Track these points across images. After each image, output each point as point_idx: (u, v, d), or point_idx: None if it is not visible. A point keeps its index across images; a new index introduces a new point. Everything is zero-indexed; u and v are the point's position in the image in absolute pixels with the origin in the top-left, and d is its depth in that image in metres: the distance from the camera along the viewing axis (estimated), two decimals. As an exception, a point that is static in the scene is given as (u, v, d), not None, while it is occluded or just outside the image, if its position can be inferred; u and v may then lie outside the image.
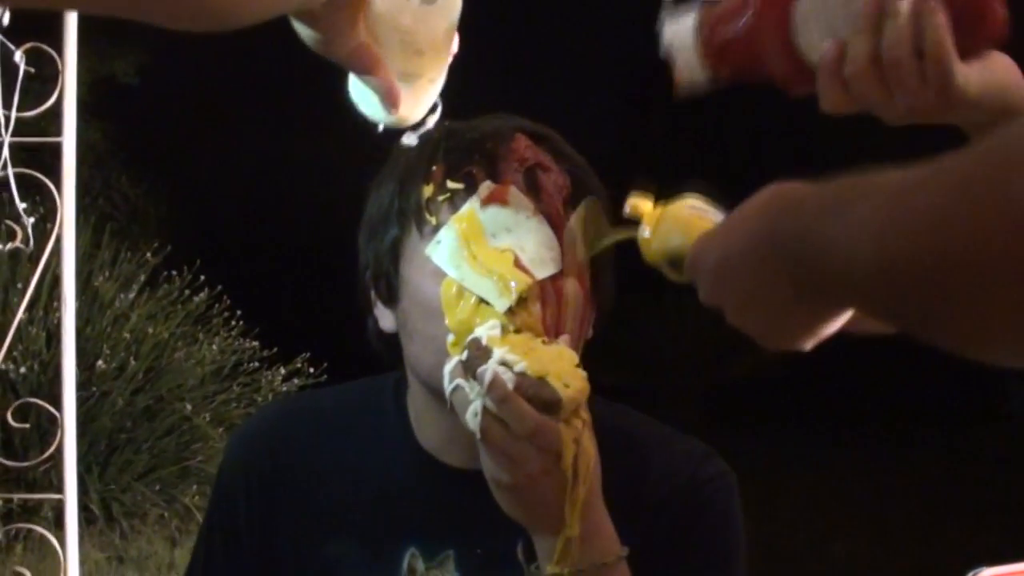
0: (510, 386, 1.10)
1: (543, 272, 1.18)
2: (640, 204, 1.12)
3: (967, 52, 0.97)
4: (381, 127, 1.19)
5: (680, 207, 1.09)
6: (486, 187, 1.20)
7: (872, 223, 0.70)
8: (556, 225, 1.21)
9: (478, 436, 1.11)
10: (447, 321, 1.18)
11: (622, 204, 1.22)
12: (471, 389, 1.12)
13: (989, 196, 0.62)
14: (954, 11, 0.95)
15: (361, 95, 1.07)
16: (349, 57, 0.98)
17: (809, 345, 0.91)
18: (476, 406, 1.11)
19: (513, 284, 1.15)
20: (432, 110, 1.14)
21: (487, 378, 1.11)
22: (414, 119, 1.11)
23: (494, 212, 1.19)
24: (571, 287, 1.22)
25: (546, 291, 1.19)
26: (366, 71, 1.00)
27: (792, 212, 0.81)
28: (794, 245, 0.79)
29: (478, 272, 1.16)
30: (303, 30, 0.93)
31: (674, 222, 1.07)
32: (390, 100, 1.02)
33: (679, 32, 1.07)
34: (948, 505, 7.88)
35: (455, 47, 1.07)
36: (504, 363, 1.11)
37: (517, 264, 1.17)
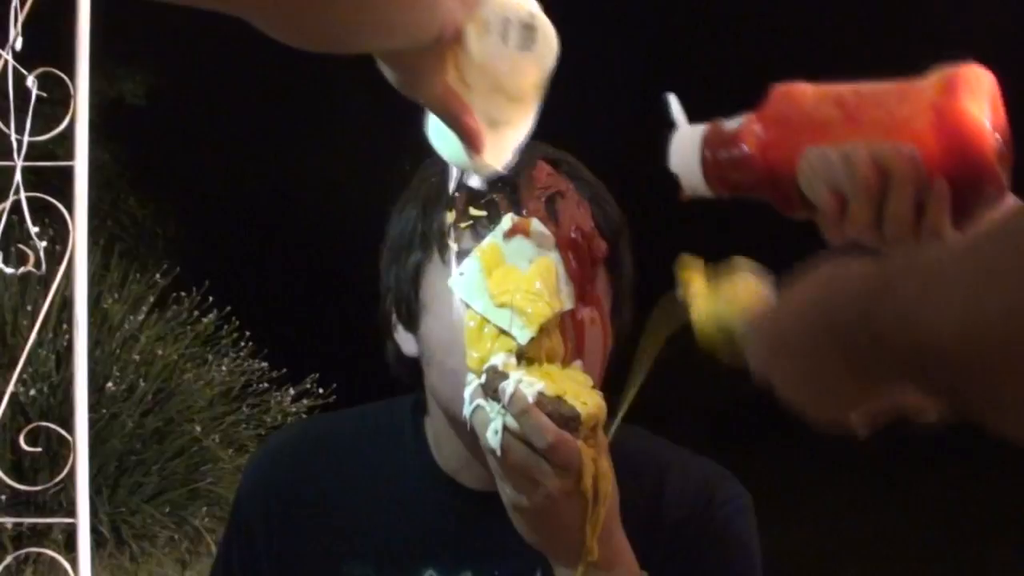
0: (530, 400, 1.10)
1: (563, 304, 1.18)
2: (692, 277, 1.12)
3: (963, 219, 0.98)
4: (456, 172, 1.19)
5: (732, 283, 1.08)
6: (508, 219, 1.20)
7: (927, 297, 0.70)
8: (575, 254, 1.21)
9: (498, 453, 1.11)
10: (468, 354, 1.18)
11: (636, 221, 1.23)
12: (491, 408, 1.12)
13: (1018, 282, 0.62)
14: (953, 183, 0.96)
15: (440, 137, 1.06)
16: (434, 99, 0.96)
17: (860, 423, 0.90)
18: (496, 424, 1.11)
19: (533, 315, 1.16)
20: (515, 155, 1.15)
21: (508, 391, 1.11)
22: (496, 166, 1.10)
23: (516, 244, 1.19)
24: (590, 317, 1.22)
25: (565, 322, 1.19)
26: (451, 114, 0.98)
27: (845, 292, 0.81)
28: (849, 326, 0.79)
29: (499, 304, 1.17)
30: (388, 70, 0.91)
31: (727, 301, 1.07)
32: (474, 145, 1.00)
33: (684, 145, 1.10)
34: (960, 525, 7.85)
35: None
36: (523, 382, 1.12)
37: (538, 296, 1.17)
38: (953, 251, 0.70)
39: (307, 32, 0.74)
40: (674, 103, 1.12)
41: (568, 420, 1.10)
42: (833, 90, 1.03)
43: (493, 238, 1.20)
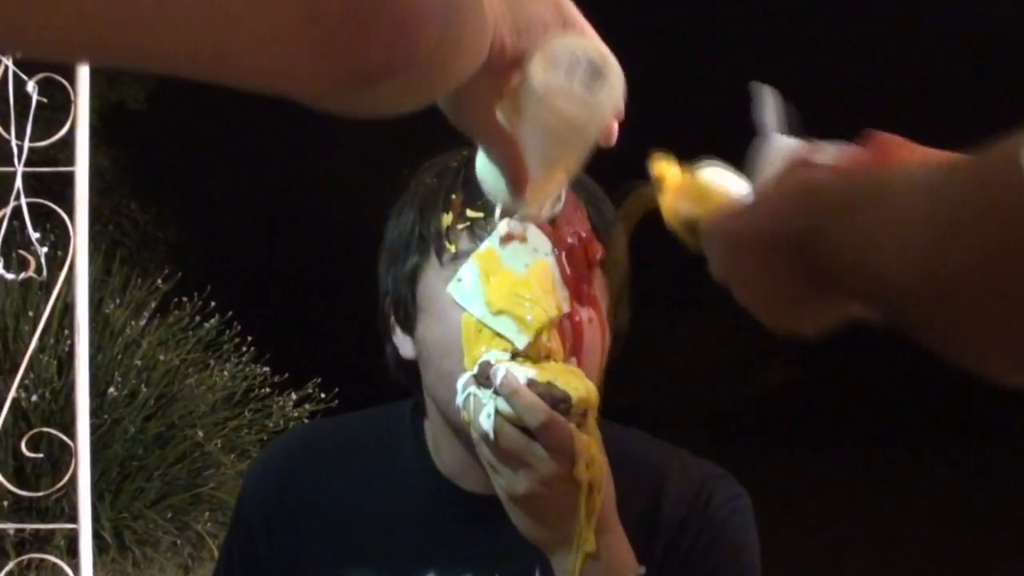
0: (521, 382, 1.11)
1: (560, 309, 1.19)
2: (664, 168, 1.07)
3: None
4: (499, 209, 1.18)
5: (702, 175, 1.04)
6: (505, 224, 1.21)
7: (886, 231, 0.70)
8: (571, 256, 1.22)
9: (491, 437, 1.11)
10: (465, 355, 1.18)
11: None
12: (483, 395, 1.13)
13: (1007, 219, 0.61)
14: None
15: (486, 172, 1.04)
16: (482, 133, 0.94)
17: (816, 331, 0.89)
18: (489, 408, 1.12)
19: (530, 320, 1.16)
20: (556, 200, 1.13)
21: (499, 375, 1.12)
22: (538, 208, 1.09)
23: (513, 249, 1.20)
24: (588, 317, 1.22)
25: (563, 324, 1.19)
26: (498, 152, 0.95)
27: (808, 203, 0.79)
28: (806, 239, 0.78)
29: (496, 311, 1.17)
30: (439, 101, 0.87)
31: (695, 189, 1.03)
32: (517, 185, 0.97)
33: (770, 156, 1.00)
34: (961, 521, 7.86)
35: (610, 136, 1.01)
36: (513, 367, 1.13)
37: (534, 303, 1.17)
38: (918, 185, 0.69)
39: (352, 112, 0.69)
40: (769, 100, 1.02)
41: (559, 402, 1.10)
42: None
43: (490, 243, 1.20)
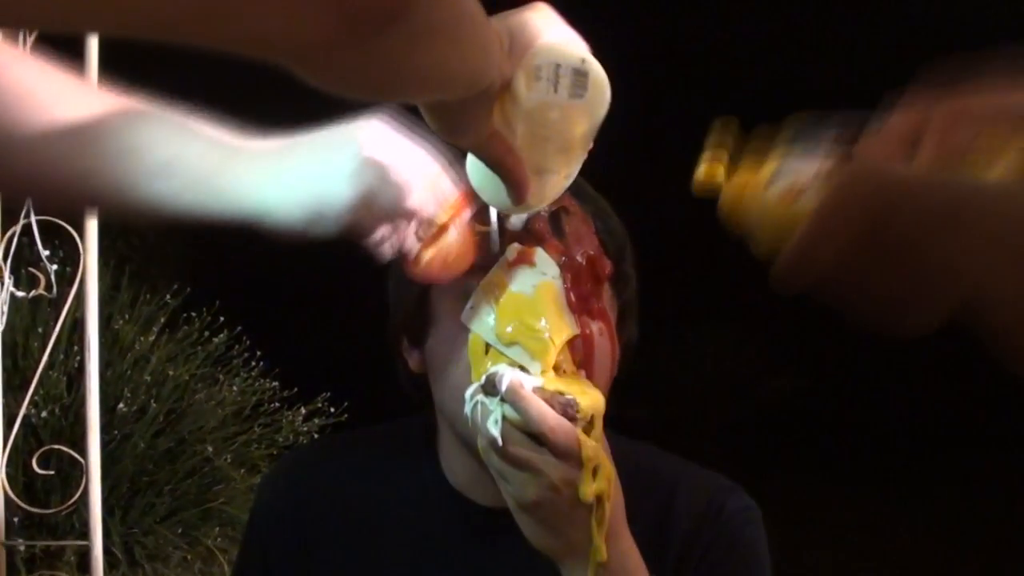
0: (528, 389, 1.11)
1: (568, 331, 1.18)
2: (715, 172, 0.91)
3: None
4: (495, 214, 1.17)
5: (760, 186, 0.87)
6: (514, 249, 1.21)
7: (1010, 249, 0.65)
8: (577, 271, 1.21)
9: (499, 443, 1.11)
10: (472, 370, 1.18)
11: (636, 238, 1.22)
12: (490, 402, 1.13)
13: None
14: None
15: (481, 180, 1.04)
16: (481, 147, 0.92)
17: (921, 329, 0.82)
18: (496, 414, 1.11)
19: (543, 353, 1.16)
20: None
21: (505, 380, 1.11)
22: (537, 208, 1.09)
23: (522, 273, 1.20)
24: (599, 329, 1.22)
25: (575, 342, 1.19)
26: (498, 162, 0.94)
27: (895, 209, 0.71)
28: (905, 248, 0.71)
29: (509, 337, 1.17)
30: (429, 117, 0.86)
31: (755, 210, 0.87)
32: (519, 193, 0.97)
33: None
34: (974, 534, 7.83)
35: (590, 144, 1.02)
36: (520, 375, 1.13)
37: (543, 332, 1.17)
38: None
39: (350, 81, 0.68)
40: None
41: (566, 407, 1.10)
42: None
43: (499, 268, 1.20)
